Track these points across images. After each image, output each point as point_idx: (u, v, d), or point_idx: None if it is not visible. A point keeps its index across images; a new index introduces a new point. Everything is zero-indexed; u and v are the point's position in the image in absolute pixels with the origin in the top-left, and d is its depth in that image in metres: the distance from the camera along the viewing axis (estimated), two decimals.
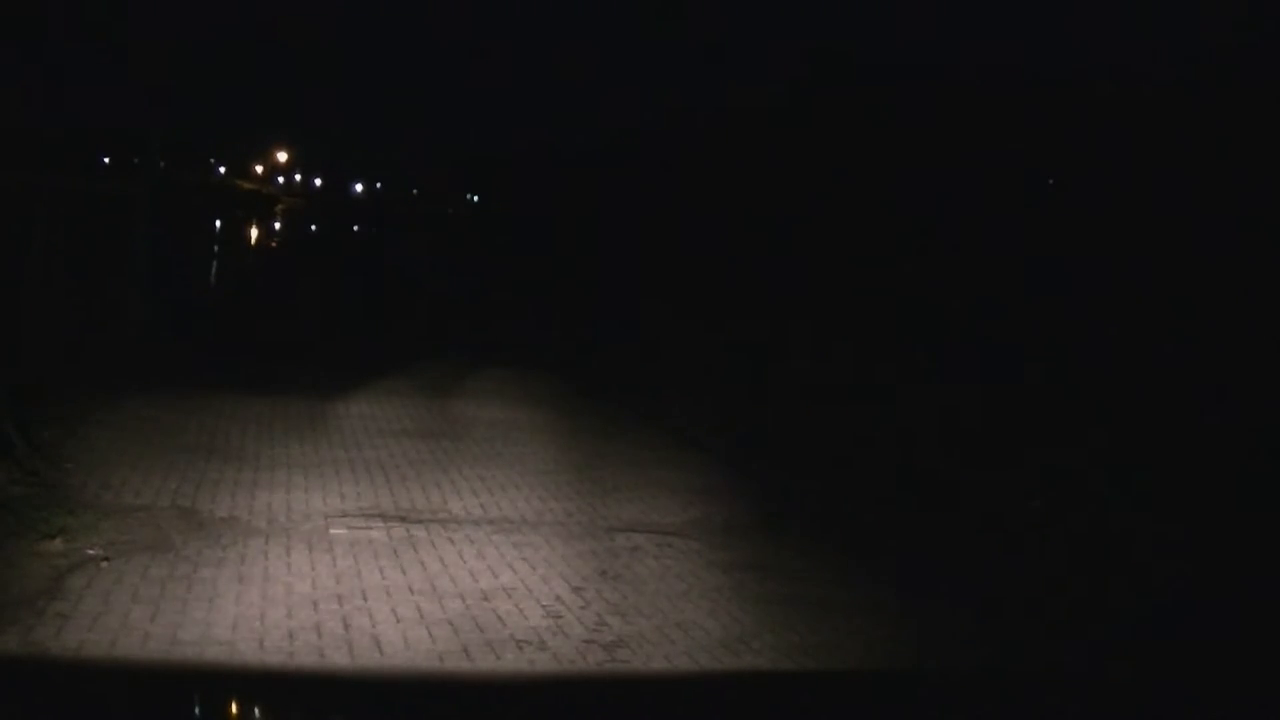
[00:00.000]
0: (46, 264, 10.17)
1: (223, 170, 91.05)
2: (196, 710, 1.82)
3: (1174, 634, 5.57)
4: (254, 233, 50.90)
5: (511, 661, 4.72)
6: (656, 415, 10.89)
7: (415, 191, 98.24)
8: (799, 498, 8.05)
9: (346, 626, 4.92)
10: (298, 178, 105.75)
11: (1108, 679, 3.19)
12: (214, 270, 26.70)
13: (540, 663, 4.73)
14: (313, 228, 63.02)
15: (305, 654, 4.61)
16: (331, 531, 6.28)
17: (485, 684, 2.31)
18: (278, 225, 63.03)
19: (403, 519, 6.67)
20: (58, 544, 5.54)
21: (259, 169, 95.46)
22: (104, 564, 5.37)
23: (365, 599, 5.27)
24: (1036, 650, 5.33)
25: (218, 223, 46.87)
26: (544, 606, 5.38)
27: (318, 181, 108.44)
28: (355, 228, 69.33)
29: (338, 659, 4.58)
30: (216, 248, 35.53)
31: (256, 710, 1.85)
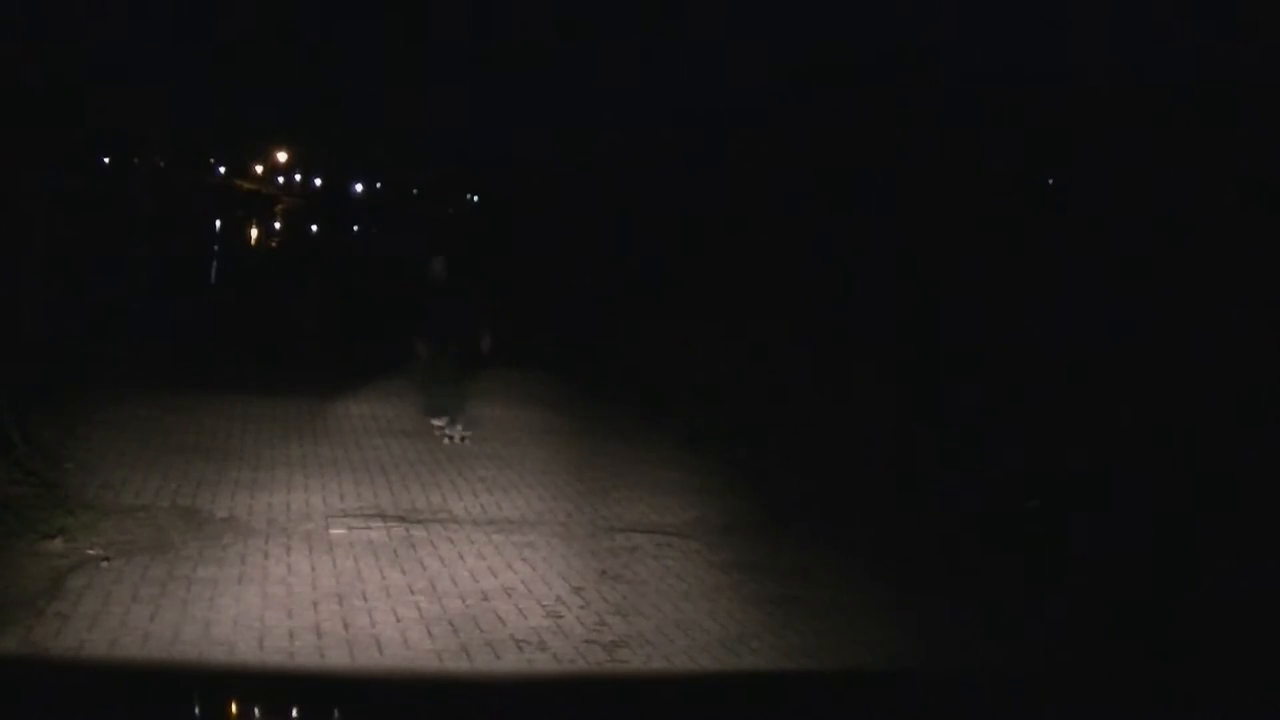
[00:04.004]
0: (46, 264, 10.17)
1: (223, 170, 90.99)
2: (196, 710, 1.82)
3: (1173, 634, 5.57)
4: (254, 233, 50.92)
5: (511, 661, 4.72)
6: (656, 415, 10.89)
7: (415, 191, 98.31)
8: (799, 498, 8.05)
9: (346, 626, 4.92)
10: (298, 178, 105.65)
11: (1107, 679, 3.19)
12: (213, 270, 26.70)
13: (540, 663, 4.73)
14: (313, 228, 63.05)
15: (305, 654, 4.60)
16: (331, 531, 6.28)
17: (485, 684, 2.31)
18: (278, 225, 63.05)
19: (403, 519, 6.68)
20: (58, 544, 5.54)
21: (259, 169, 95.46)
22: (104, 564, 5.37)
23: (365, 599, 5.27)
24: (1036, 650, 5.33)
25: (218, 223, 46.85)
26: (544, 606, 5.38)
27: (318, 181, 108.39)
28: (355, 227, 69.39)
29: (338, 659, 4.57)
30: (216, 248, 35.53)
31: (256, 710, 1.84)
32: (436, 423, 9.22)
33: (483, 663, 4.66)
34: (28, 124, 9.96)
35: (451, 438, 8.93)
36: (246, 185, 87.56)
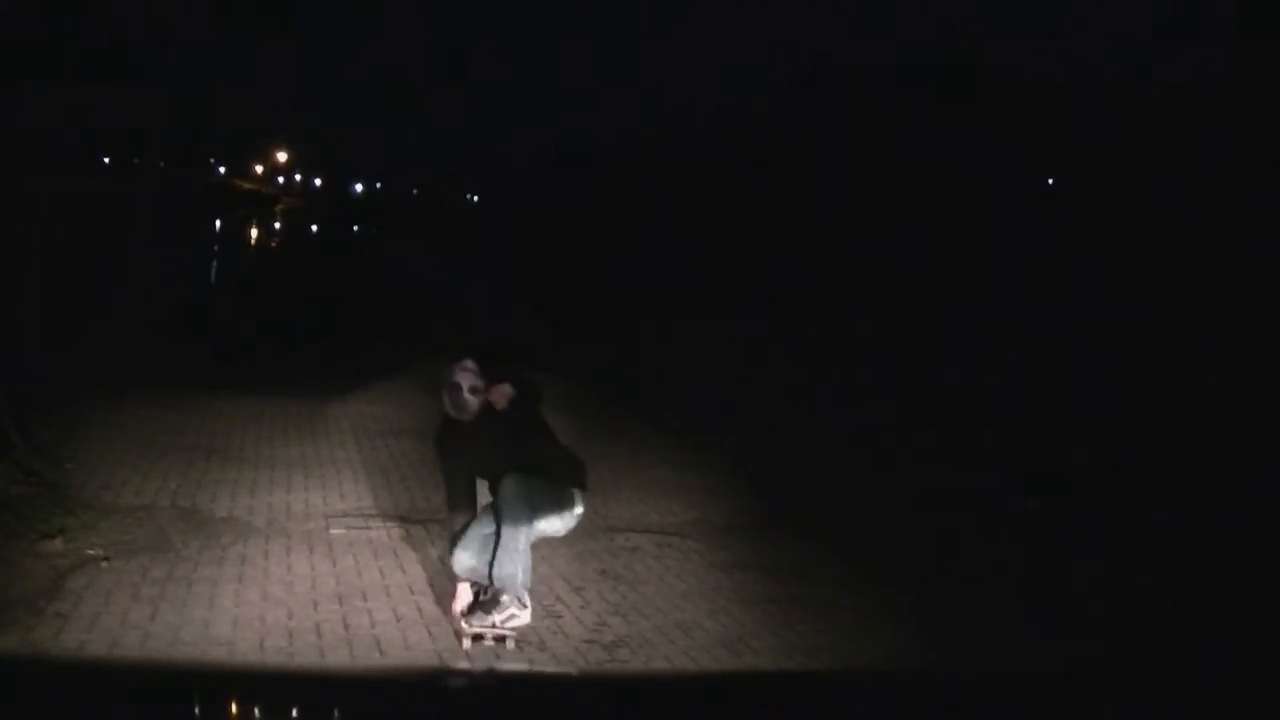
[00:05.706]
0: (46, 264, 10.17)
1: (223, 170, 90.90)
2: (196, 710, 1.82)
3: (1172, 634, 5.56)
4: (254, 233, 50.93)
5: (511, 661, 4.72)
6: (656, 415, 10.88)
7: (415, 191, 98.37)
8: (799, 498, 8.04)
9: (346, 626, 4.92)
10: (298, 178, 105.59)
11: (1107, 679, 3.19)
12: (213, 270, 26.72)
13: (540, 663, 4.73)
14: (313, 228, 63.06)
15: (305, 654, 4.60)
16: (331, 531, 6.28)
17: (485, 684, 2.31)
18: (277, 225, 63.07)
19: (403, 519, 6.67)
20: (58, 544, 5.54)
21: (259, 169, 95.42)
22: (104, 564, 5.37)
23: (365, 599, 5.27)
24: (1035, 650, 5.32)
25: (218, 223, 46.86)
26: (544, 606, 5.37)
27: (318, 181, 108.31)
28: (355, 227, 69.47)
29: (338, 659, 4.57)
30: (216, 248, 35.56)
31: (256, 710, 1.84)
32: (461, 600, 4.97)
33: (483, 663, 4.66)
34: (28, 123, 9.96)
35: (482, 635, 4.80)
36: (246, 185, 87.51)
